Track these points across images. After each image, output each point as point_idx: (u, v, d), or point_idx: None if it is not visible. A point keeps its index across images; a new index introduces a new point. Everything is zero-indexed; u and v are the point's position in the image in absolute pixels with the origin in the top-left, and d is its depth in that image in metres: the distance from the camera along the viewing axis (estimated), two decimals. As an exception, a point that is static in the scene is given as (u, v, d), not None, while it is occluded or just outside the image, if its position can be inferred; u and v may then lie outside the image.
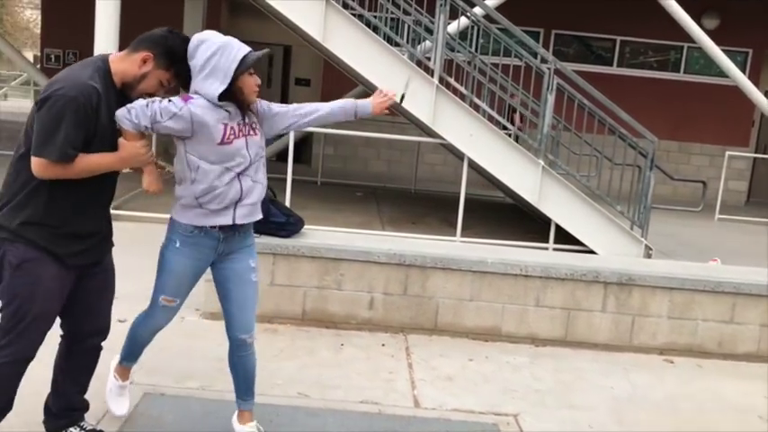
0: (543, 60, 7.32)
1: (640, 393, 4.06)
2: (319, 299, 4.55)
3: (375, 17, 7.20)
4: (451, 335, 4.60)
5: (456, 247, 5.20)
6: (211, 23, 11.75)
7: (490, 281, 4.58)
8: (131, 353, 3.15)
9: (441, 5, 6.93)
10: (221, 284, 2.96)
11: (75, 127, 2.43)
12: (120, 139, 2.62)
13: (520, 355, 4.46)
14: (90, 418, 3.01)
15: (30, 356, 2.63)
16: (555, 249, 7.07)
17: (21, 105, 19.95)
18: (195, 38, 2.71)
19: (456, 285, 4.57)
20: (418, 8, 7.46)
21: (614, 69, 13.39)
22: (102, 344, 2.93)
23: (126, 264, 6.19)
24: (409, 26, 7.41)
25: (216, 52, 2.67)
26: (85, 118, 2.46)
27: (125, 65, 2.61)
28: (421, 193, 11.34)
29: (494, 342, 4.61)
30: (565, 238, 7.20)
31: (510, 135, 7.32)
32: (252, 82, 2.78)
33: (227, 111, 2.73)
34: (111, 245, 2.89)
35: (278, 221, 4.56)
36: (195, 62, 2.68)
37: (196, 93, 2.71)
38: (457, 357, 4.31)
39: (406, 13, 7.38)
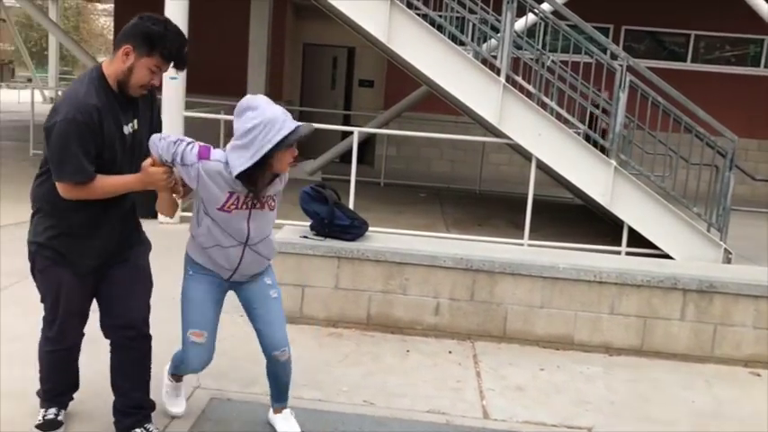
0: (614, 57, 7.06)
1: (725, 408, 3.82)
2: (384, 303, 4.47)
3: (440, 16, 7.09)
4: (521, 343, 4.45)
5: (525, 251, 5.04)
6: (277, 26, 11.88)
7: (562, 287, 4.41)
8: (177, 373, 3.19)
9: (508, 2, 6.77)
10: (246, 306, 2.99)
11: (82, 146, 2.55)
12: (145, 163, 2.68)
13: (593, 364, 4.28)
14: (157, 423, 3.01)
15: (71, 345, 2.91)
16: (627, 253, 6.80)
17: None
18: (246, 99, 2.65)
19: (526, 291, 4.42)
20: (484, 6, 7.30)
21: (688, 65, 12.90)
22: (147, 342, 2.93)
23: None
24: (475, 24, 7.27)
25: (257, 126, 2.55)
26: (90, 134, 2.56)
27: (114, 66, 2.65)
28: (486, 193, 11.14)
29: (565, 351, 4.43)
30: (638, 241, 6.92)
31: (579, 134, 7.09)
32: (288, 156, 2.64)
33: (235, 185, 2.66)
34: (137, 244, 2.94)
35: (342, 224, 4.51)
36: (237, 125, 2.61)
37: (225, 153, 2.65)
38: (527, 366, 4.16)
39: (471, 11, 7.24)
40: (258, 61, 11.15)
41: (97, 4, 29.70)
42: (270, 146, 2.53)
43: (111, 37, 14.41)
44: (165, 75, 2.79)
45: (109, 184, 2.64)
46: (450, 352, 4.27)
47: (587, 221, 8.88)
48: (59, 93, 27.22)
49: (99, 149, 2.59)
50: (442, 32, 6.97)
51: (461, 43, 7.11)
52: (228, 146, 2.65)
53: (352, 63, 14.19)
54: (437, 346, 4.34)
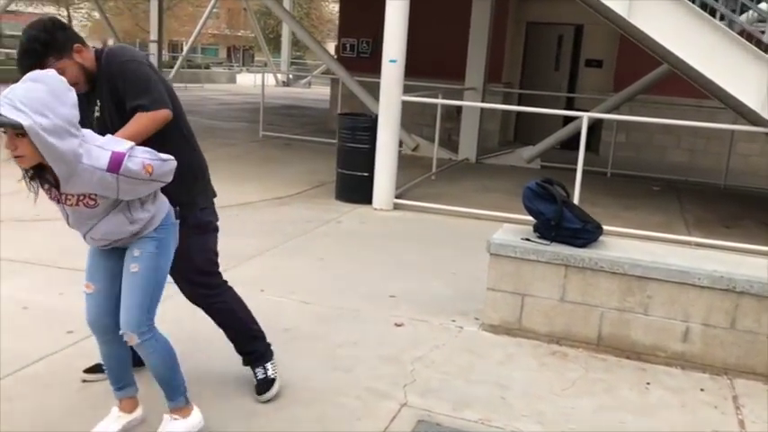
0: None
1: None
2: (620, 323, 3.82)
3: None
4: (797, 386, 3.57)
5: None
6: (500, 5, 11.30)
7: None
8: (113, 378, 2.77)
9: (782, -37, 5.65)
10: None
11: None
12: None
13: None
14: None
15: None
16: None
17: (322, 92, 21.60)
18: None
19: (807, 323, 3.53)
20: (748, -30, 6.20)
21: None
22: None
23: (403, 258, 5.84)
24: (735, -8, 6.20)
25: None
26: None
27: None
28: (732, 189, 9.73)
29: None
30: None
31: None
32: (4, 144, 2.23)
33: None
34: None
35: (572, 227, 3.92)
36: None
37: None
38: (806, 419, 3.30)
39: (731, -23, 6.17)
40: (479, 43, 10.66)
41: (327, -9, 31.14)
42: None
43: (338, 23, 14.85)
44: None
45: None
46: (701, 390, 3.52)
47: None
48: (290, 76, 29.04)
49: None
50: (693, 3, 6.01)
51: (720, 16, 6.09)
52: None
53: (578, 42, 13.19)
54: (685, 381, 3.60)
